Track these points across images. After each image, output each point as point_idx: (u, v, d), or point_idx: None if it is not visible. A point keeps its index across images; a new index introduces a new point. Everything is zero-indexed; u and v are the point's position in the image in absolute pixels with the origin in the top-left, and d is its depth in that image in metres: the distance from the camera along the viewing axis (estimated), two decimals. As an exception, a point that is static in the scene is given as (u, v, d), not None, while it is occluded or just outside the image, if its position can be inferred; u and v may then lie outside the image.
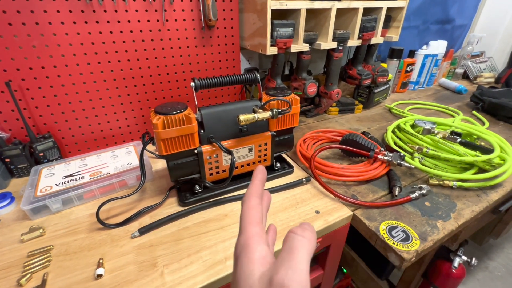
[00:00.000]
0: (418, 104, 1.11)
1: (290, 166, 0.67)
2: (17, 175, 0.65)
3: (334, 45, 0.80)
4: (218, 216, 0.53)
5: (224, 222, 0.52)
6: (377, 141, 0.77)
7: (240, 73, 0.56)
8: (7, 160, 0.62)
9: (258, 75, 0.57)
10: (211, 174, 0.57)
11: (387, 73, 0.98)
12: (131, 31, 0.66)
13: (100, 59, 0.65)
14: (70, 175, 0.60)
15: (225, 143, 0.55)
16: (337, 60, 0.84)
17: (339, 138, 0.79)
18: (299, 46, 0.75)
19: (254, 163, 0.61)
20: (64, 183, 0.57)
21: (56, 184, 0.57)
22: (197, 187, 0.58)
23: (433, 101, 1.15)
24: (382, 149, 0.67)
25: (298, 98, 0.59)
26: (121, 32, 0.65)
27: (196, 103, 0.52)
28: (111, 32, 0.64)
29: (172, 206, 0.56)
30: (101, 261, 0.43)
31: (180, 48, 0.73)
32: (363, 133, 0.83)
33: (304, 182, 0.62)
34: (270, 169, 0.65)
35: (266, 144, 0.60)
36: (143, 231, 0.49)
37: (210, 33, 0.76)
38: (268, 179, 0.63)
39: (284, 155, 0.72)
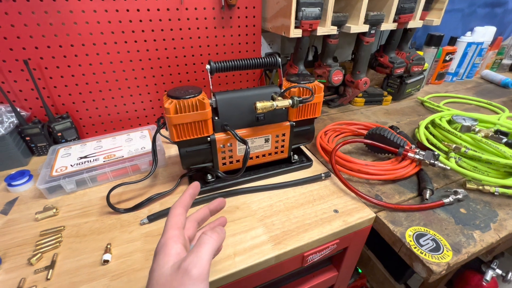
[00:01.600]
0: (456, 98, 1.00)
1: (309, 160, 0.63)
2: (37, 154, 0.66)
3: (365, 28, 0.72)
4: (229, 208, 0.51)
5: (235, 215, 0.49)
6: (407, 137, 0.70)
7: (261, 57, 0.51)
8: (28, 138, 0.63)
9: (279, 59, 0.52)
10: (224, 164, 0.54)
11: (423, 62, 0.88)
12: (148, 10, 0.63)
13: (117, 38, 0.63)
14: (85, 157, 0.60)
15: (240, 132, 0.52)
16: (368, 45, 0.77)
17: (364, 132, 0.73)
18: (326, 28, 0.68)
19: (270, 154, 0.58)
20: (79, 164, 0.57)
21: (71, 165, 0.57)
22: (209, 176, 0.55)
23: (473, 95, 1.03)
24: (412, 146, 0.60)
25: (322, 86, 0.54)
26: (138, 10, 0.62)
27: (211, 87, 0.49)
28: (127, 10, 0.61)
29: (183, 194, 0.55)
30: (109, 246, 0.42)
31: (198, 29, 0.69)
32: (391, 127, 0.76)
33: (323, 178, 0.58)
34: (287, 162, 0.61)
35: (284, 134, 0.56)
36: (152, 218, 0.48)
37: (230, 13, 0.71)
38: (285, 172, 0.60)
39: (303, 147, 0.67)
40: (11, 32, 0.55)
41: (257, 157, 0.57)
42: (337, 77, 0.77)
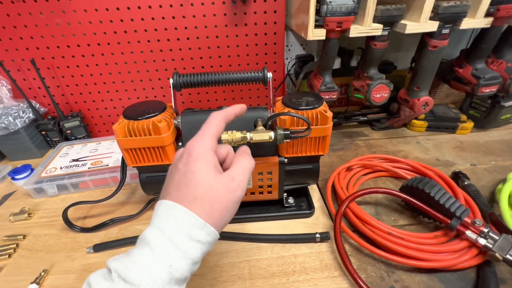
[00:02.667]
0: None
1: (310, 206, 0.47)
2: (53, 147, 0.70)
3: (432, 27, 0.49)
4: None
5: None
6: (478, 197, 0.46)
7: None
8: (43, 132, 0.67)
9: (268, 74, 0.38)
10: (192, 197, 0.45)
11: (537, 77, 0.57)
12: (150, 7, 0.56)
13: (120, 39, 0.60)
14: (77, 160, 0.59)
15: (209, 164, 0.40)
16: (435, 52, 0.53)
17: (409, 175, 0.51)
18: (364, 28, 0.48)
19: (253, 193, 0.45)
20: (67, 167, 0.57)
21: (61, 167, 0.57)
22: (175, 208, 0.47)
23: None
24: (479, 220, 0.38)
25: (329, 114, 0.38)
26: (139, 7, 0.56)
27: (173, 105, 0.39)
28: (128, 8, 0.56)
29: (147, 222, 0.48)
30: (42, 273, 0.39)
31: (206, 27, 0.60)
32: (457, 174, 0.52)
33: (318, 239, 0.42)
34: (278, 204, 0.48)
35: (270, 173, 0.42)
36: (97, 249, 0.42)
37: (245, 8, 0.58)
38: (271, 218, 0.46)
39: (310, 187, 0.51)
40: (25, 33, 0.58)
41: (236, 194, 0.45)
42: (379, 94, 0.56)
